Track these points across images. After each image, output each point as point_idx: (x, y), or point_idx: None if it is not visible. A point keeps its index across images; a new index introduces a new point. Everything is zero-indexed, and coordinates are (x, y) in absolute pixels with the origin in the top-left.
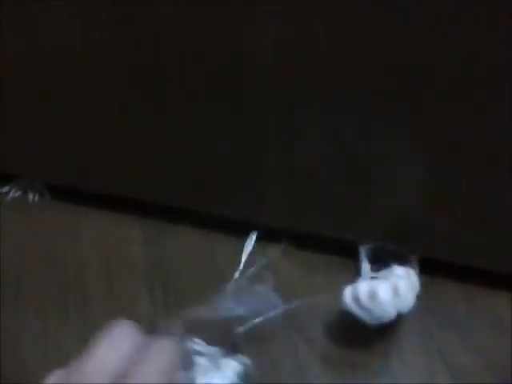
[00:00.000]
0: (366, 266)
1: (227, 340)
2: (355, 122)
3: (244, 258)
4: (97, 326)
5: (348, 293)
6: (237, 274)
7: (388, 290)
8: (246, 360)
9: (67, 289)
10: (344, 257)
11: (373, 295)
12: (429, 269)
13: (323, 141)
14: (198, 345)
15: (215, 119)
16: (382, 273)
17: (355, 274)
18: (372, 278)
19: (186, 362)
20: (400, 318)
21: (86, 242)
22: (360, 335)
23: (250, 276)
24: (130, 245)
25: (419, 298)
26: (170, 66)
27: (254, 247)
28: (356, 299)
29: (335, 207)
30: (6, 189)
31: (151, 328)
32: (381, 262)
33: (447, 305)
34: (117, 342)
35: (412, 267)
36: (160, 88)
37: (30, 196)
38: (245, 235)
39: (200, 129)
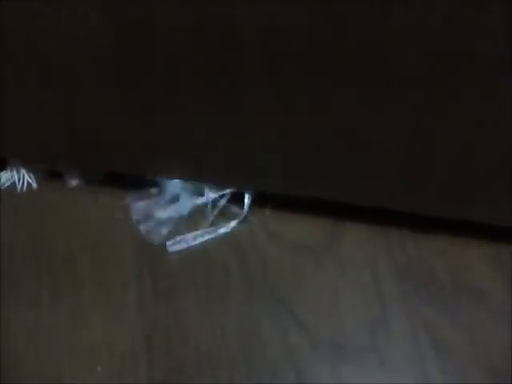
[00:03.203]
0: None
1: None
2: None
3: None
4: (87, 312)
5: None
6: None
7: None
8: None
9: (57, 277)
10: None
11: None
12: (414, 246)
13: None
14: None
15: (212, 94)
16: None
17: None
18: None
19: None
20: None
21: (74, 229)
22: (347, 314)
23: None
24: (118, 231)
25: (405, 275)
26: (161, 42)
27: None
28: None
29: None
30: None
31: None
32: None
33: (432, 281)
34: None
35: None
36: (154, 65)
37: (19, 185)
38: None
39: (195, 104)
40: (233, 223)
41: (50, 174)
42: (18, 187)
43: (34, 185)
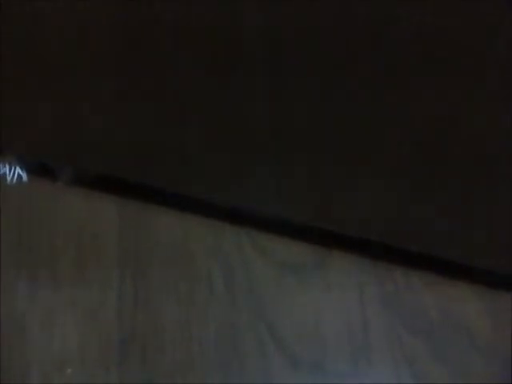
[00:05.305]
0: None
1: None
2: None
3: None
4: (62, 311)
5: None
6: None
7: None
8: None
9: (37, 272)
10: None
11: None
12: (402, 274)
13: None
14: None
15: (207, 94)
16: None
17: None
18: None
19: None
20: None
21: (60, 226)
22: (329, 337)
23: None
24: (105, 232)
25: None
26: (162, 39)
27: None
28: None
29: None
30: None
31: None
32: None
33: (420, 312)
34: None
35: None
36: (150, 62)
37: (9, 177)
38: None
39: (189, 106)
40: None
41: (43, 169)
42: (8, 179)
43: (25, 178)
